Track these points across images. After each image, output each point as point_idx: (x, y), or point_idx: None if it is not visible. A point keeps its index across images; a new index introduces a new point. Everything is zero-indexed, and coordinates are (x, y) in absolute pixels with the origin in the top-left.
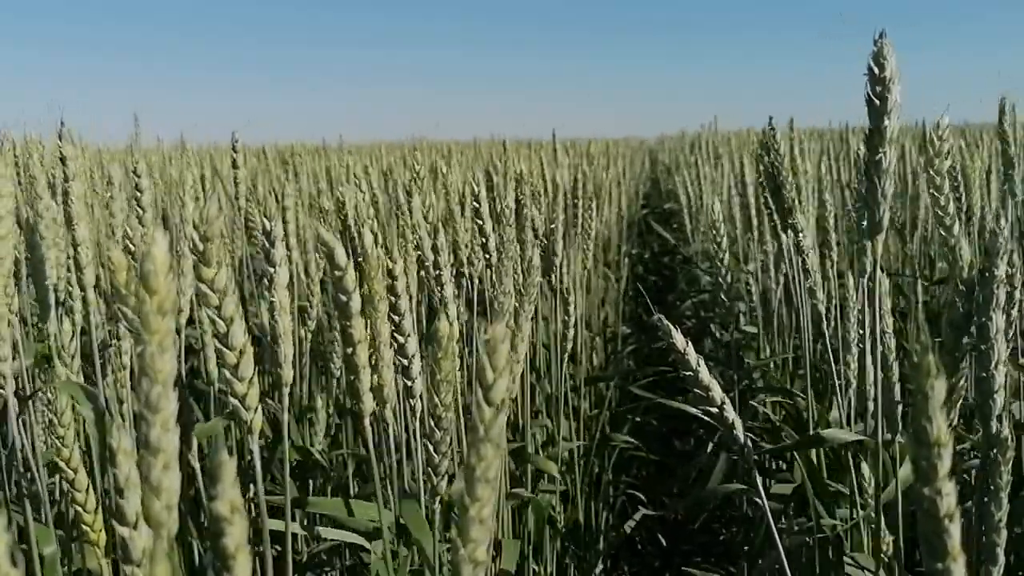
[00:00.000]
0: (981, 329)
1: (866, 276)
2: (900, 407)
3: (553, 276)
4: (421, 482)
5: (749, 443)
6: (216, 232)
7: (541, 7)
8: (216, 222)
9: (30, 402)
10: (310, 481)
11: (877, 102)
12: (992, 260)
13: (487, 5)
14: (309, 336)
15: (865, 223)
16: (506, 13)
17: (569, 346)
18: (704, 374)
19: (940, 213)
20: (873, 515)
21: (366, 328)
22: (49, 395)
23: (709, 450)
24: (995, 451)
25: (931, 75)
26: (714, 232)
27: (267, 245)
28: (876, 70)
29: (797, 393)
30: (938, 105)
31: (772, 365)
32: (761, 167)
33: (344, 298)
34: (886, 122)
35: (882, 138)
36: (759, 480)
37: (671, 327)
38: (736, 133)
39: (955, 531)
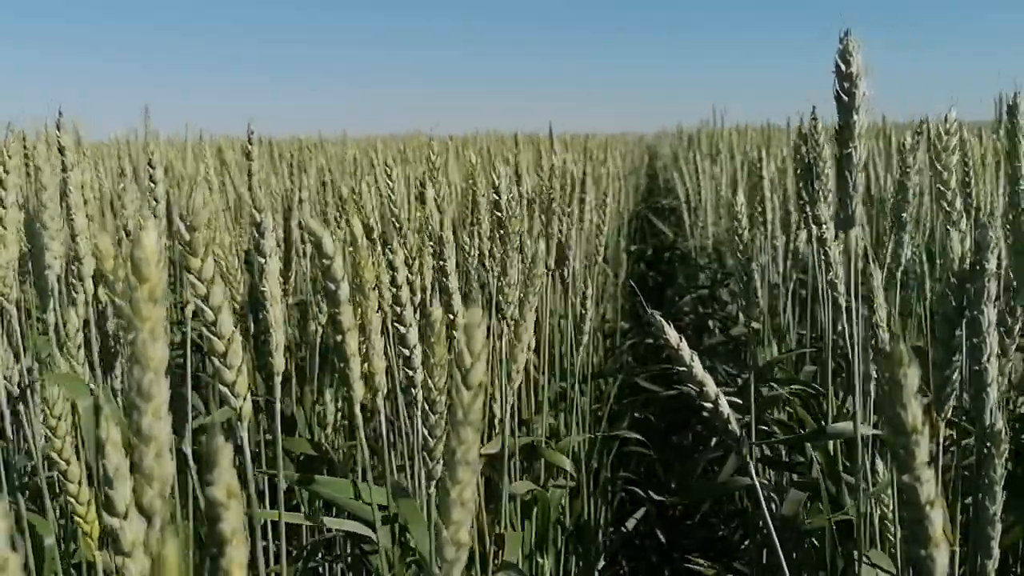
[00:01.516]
0: (973, 323)
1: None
2: None
3: (566, 269)
4: (418, 466)
5: (744, 436)
6: (203, 221)
7: (540, 7)
8: (203, 212)
9: (28, 393)
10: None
11: (845, 98)
12: (983, 254)
13: (486, 5)
14: (319, 329)
15: (839, 217)
16: (505, 13)
17: (584, 339)
18: (698, 368)
19: (947, 208)
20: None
21: (355, 317)
22: (42, 387)
23: (712, 443)
24: (989, 444)
25: (930, 75)
26: (737, 223)
27: (258, 236)
28: (843, 66)
29: (813, 388)
30: (934, 104)
31: (788, 360)
32: (798, 157)
33: (333, 286)
34: (855, 117)
35: (851, 133)
36: (754, 474)
37: (664, 323)
38: (735, 129)
39: (937, 518)
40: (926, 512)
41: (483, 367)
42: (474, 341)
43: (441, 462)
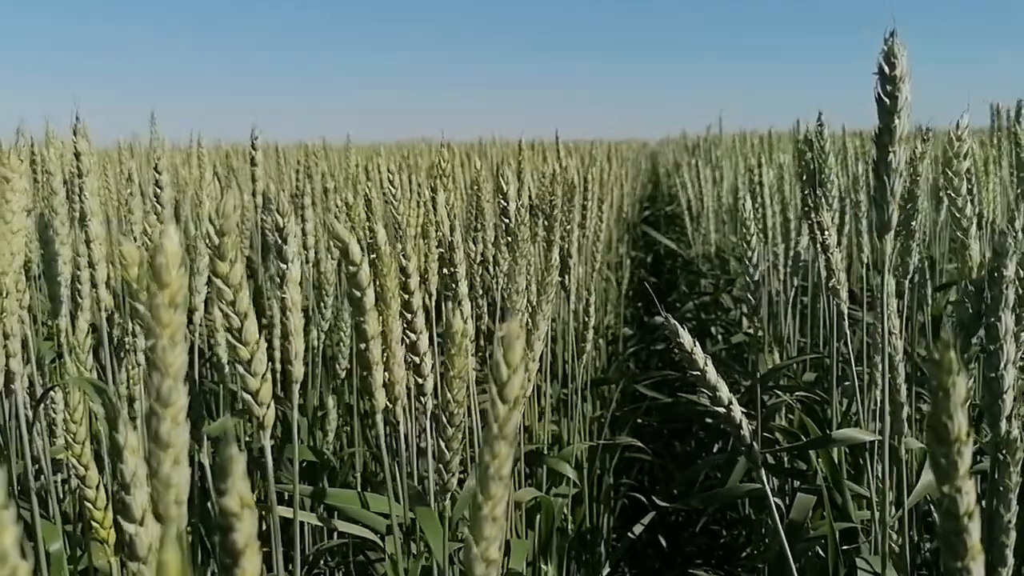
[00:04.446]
0: (990, 329)
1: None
2: (904, 408)
3: (567, 277)
4: (432, 479)
5: (755, 443)
6: (232, 227)
7: (542, 11)
8: (232, 217)
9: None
10: (320, 482)
11: (887, 101)
12: (1001, 260)
13: (487, 9)
14: (322, 336)
15: (875, 222)
16: (506, 16)
17: (587, 346)
18: (712, 373)
19: (957, 215)
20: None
21: (379, 324)
22: (57, 392)
23: (715, 450)
24: (1004, 452)
25: (926, 80)
26: (744, 230)
27: (279, 241)
28: (887, 69)
29: (816, 394)
30: (930, 108)
31: (792, 366)
32: (803, 163)
33: (358, 294)
34: (896, 121)
35: (892, 137)
36: (765, 479)
37: (677, 326)
38: (737, 136)
39: (975, 529)
40: (964, 524)
41: (520, 380)
42: (512, 353)
43: (456, 475)
